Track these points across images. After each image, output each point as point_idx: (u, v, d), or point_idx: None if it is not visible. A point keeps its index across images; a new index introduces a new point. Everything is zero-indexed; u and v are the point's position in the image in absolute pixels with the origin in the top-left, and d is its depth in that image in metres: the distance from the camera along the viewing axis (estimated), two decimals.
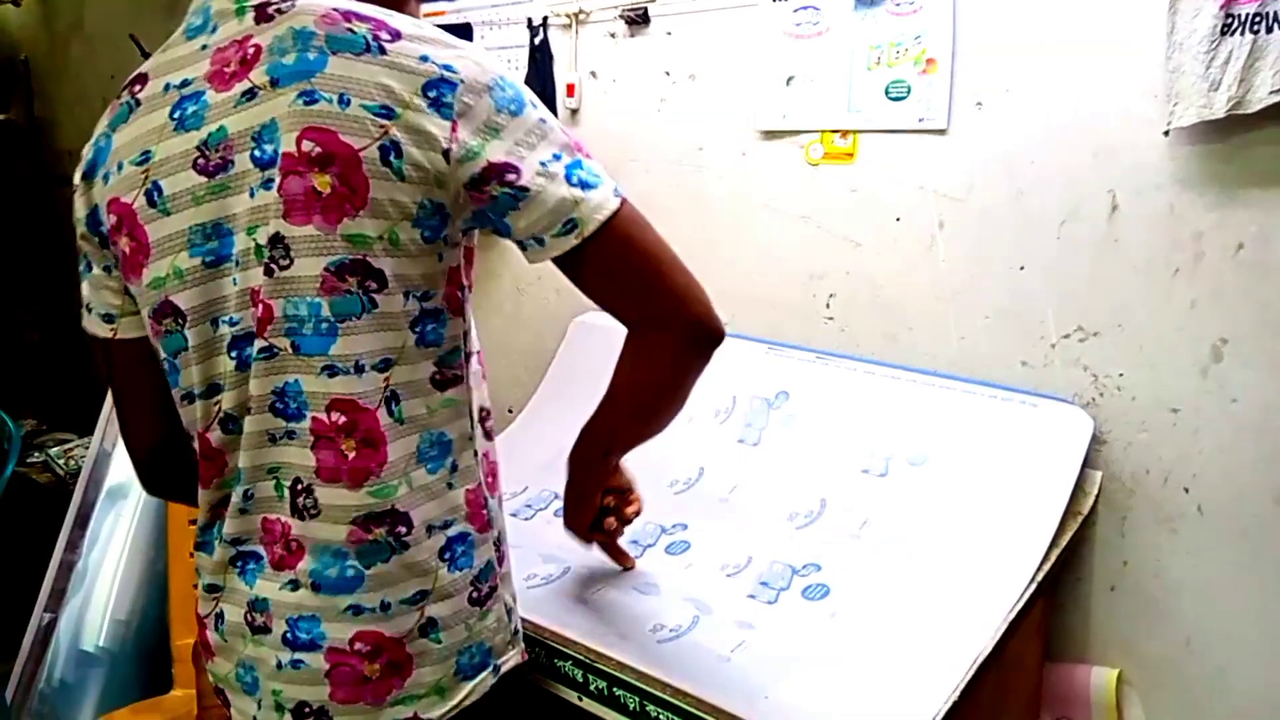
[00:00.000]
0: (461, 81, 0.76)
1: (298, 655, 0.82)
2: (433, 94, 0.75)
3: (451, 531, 0.85)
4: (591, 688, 1.03)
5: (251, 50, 0.77)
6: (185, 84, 0.79)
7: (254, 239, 0.77)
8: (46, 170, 3.25)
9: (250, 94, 0.76)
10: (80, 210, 0.85)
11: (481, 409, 0.91)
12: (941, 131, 1.30)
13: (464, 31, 1.78)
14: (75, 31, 3.02)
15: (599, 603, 1.14)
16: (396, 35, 0.76)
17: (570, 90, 1.69)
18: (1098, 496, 1.24)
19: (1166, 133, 1.13)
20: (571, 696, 1.05)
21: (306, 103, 0.74)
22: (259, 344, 0.79)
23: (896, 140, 1.35)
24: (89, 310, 0.89)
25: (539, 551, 1.26)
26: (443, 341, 0.83)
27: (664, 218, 1.62)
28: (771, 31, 1.43)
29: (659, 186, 1.62)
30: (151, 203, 0.80)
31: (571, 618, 1.08)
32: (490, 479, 0.91)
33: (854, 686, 0.98)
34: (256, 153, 0.76)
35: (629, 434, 0.98)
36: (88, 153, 0.85)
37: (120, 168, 0.81)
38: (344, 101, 0.73)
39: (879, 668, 1.01)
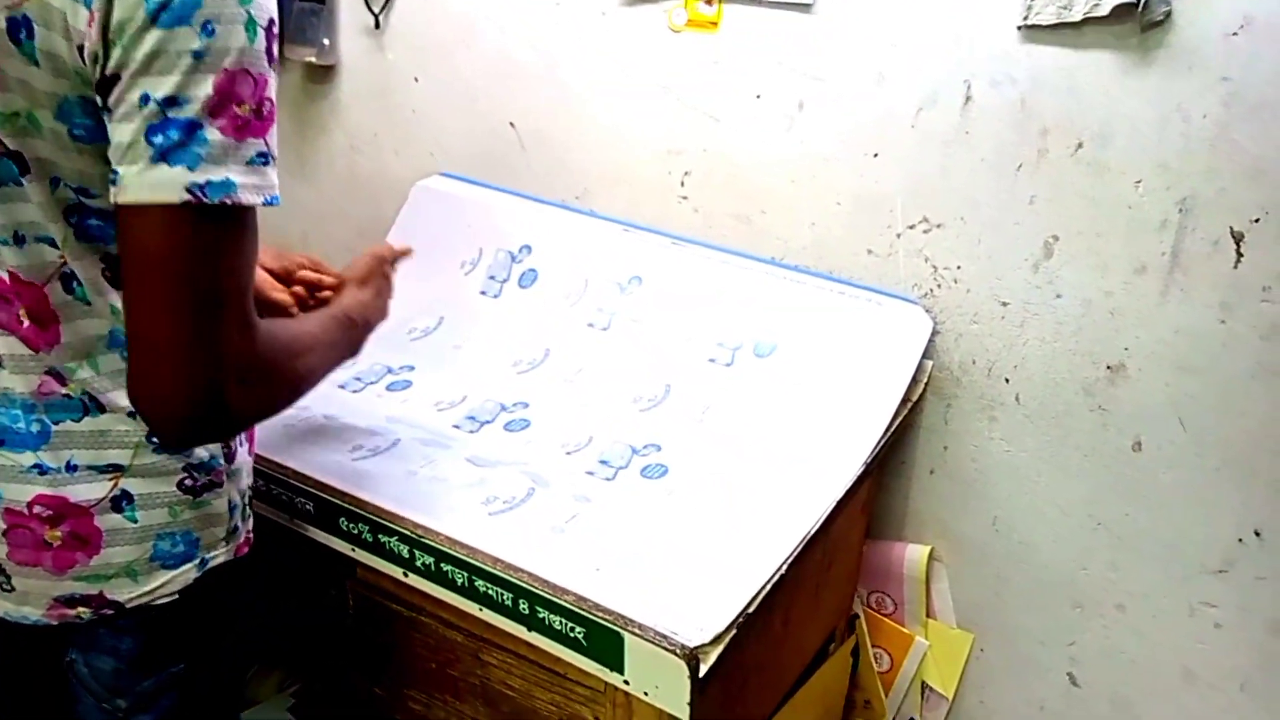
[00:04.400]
0: None
1: None
2: None
3: None
4: (418, 563, 0.99)
5: None
6: None
7: None
8: None
9: None
10: None
11: None
12: (807, 6, 1.25)
13: None
14: None
15: (430, 475, 1.09)
16: None
17: None
18: (927, 384, 1.29)
19: (1020, 27, 1.13)
20: (396, 573, 1.01)
21: None
22: None
23: (762, 12, 1.29)
24: None
25: (368, 425, 1.19)
26: (110, 240, 0.74)
27: (517, 81, 1.54)
28: None
29: (512, 47, 1.50)
30: None
31: (398, 490, 1.03)
32: None
33: (686, 560, 0.98)
34: None
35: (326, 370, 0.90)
36: None
37: None
38: None
39: (711, 543, 1.01)
